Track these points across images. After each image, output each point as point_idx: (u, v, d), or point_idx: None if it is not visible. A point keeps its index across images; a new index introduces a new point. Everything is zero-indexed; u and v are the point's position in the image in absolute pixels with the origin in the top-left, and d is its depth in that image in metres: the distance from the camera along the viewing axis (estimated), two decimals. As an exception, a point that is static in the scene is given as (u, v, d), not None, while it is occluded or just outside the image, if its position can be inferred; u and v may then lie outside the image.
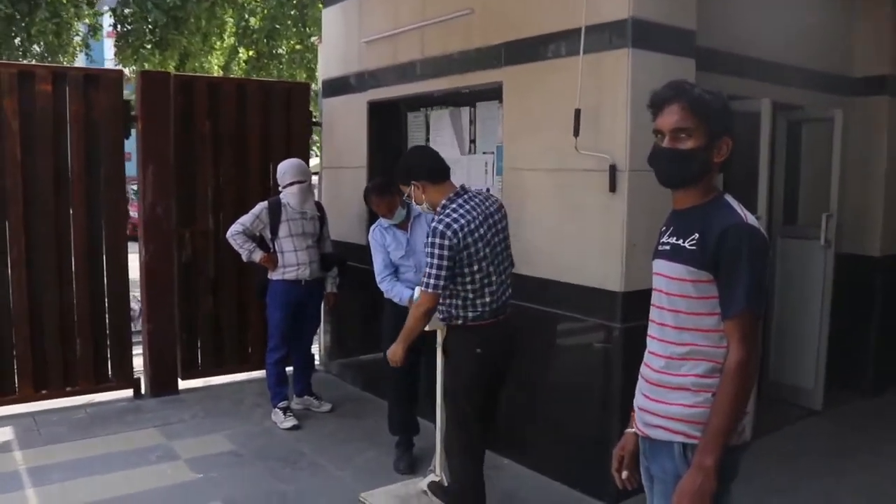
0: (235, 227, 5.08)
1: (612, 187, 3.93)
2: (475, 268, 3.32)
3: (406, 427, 4.63)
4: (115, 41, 10.89)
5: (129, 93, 5.73)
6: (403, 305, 4.25)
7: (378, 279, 4.45)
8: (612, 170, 3.91)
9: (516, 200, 4.52)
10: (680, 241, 2.14)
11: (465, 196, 3.45)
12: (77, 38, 10.59)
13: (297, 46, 12.43)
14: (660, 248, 2.25)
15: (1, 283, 5.21)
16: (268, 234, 5.15)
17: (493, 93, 4.95)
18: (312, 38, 7.60)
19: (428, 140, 5.69)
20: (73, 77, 5.38)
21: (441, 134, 5.53)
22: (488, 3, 4.63)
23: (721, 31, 4.56)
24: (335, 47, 6.18)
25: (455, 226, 3.26)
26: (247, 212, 5.18)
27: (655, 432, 2.15)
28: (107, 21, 11.31)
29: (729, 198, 2.16)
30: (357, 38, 5.80)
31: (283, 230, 5.10)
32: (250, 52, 12.64)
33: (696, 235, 2.09)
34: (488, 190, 5.12)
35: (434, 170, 3.56)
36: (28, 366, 5.31)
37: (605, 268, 4.00)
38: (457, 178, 5.29)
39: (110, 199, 5.53)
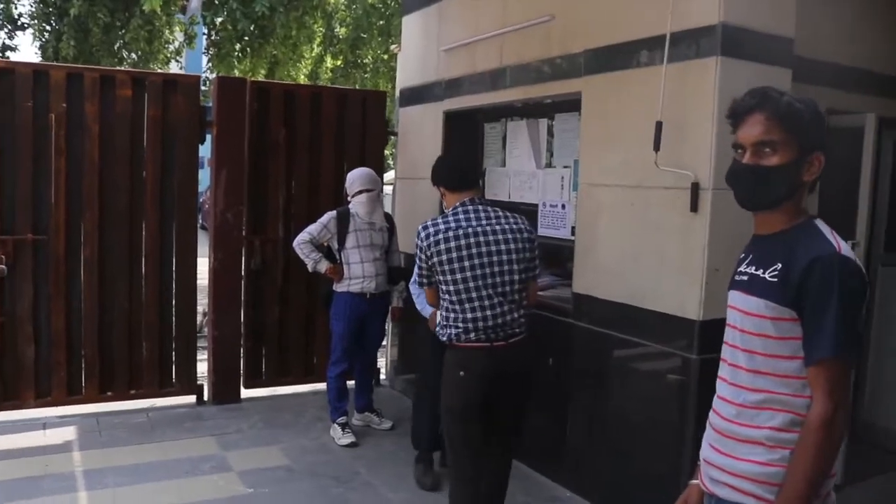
0: (302, 236, 4.98)
1: (694, 207, 3.61)
2: (448, 278, 3.20)
3: (428, 441, 4.49)
4: (206, 49, 11.13)
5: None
6: None
7: (411, 283, 4.38)
8: (695, 188, 3.60)
9: (590, 218, 4.26)
10: (759, 272, 1.85)
11: (472, 207, 3.35)
12: (171, 47, 10.83)
13: (383, 56, 12.42)
14: (736, 277, 1.96)
15: (73, 284, 5.25)
16: (335, 245, 5.03)
17: (572, 104, 4.69)
18: (392, 47, 7.48)
19: (504, 152, 5.47)
20: (153, 82, 5.41)
21: (517, 146, 5.30)
22: (569, 8, 4.39)
23: (822, 39, 4.19)
24: (413, 55, 6.04)
25: (430, 230, 3.24)
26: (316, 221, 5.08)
27: (723, 490, 1.86)
28: (203, 31, 11.57)
29: (820, 223, 1.86)
30: (436, 45, 5.64)
31: (350, 241, 4.96)
32: (337, 62, 12.71)
33: (779, 265, 1.79)
34: (563, 207, 4.87)
35: (451, 177, 3.50)
36: (95, 367, 5.33)
37: (683, 293, 3.68)
38: (532, 193, 5.17)
39: (182, 204, 5.52)
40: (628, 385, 4.03)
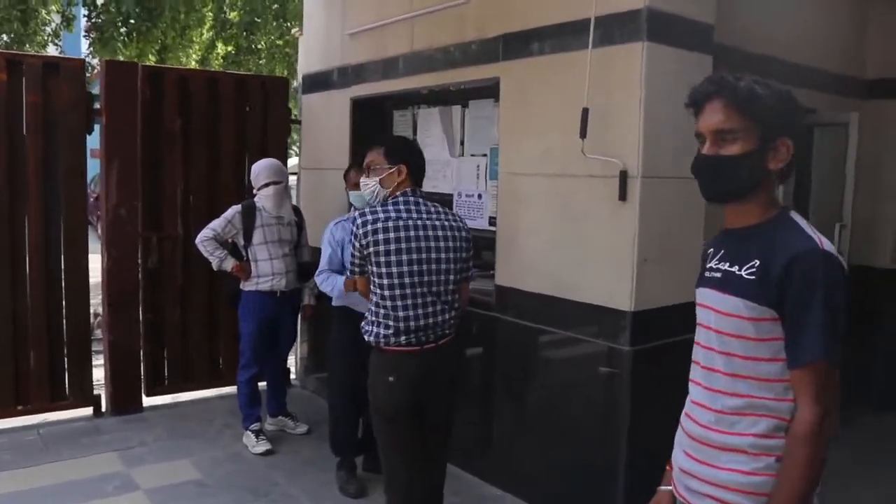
0: (205, 233, 4.65)
1: (623, 195, 3.54)
2: (383, 270, 2.99)
3: (350, 446, 4.32)
4: (86, 32, 10.40)
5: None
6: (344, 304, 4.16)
7: (317, 273, 4.19)
8: (623, 176, 3.52)
9: (512, 208, 4.14)
10: (735, 269, 1.74)
11: (413, 199, 3.12)
12: (47, 29, 10.05)
13: (278, 42, 11.93)
14: (707, 274, 1.84)
15: (-55, 290, 4.75)
16: (241, 241, 4.72)
17: (488, 90, 4.56)
18: (294, 31, 7.15)
19: (415, 140, 5.29)
20: (31, 65, 4.93)
21: (429, 134, 5.13)
22: (485, -9, 4.24)
23: (737, 27, 4.20)
24: (317, 40, 5.75)
25: (368, 217, 3.01)
26: (219, 216, 4.75)
27: (704, 502, 1.75)
28: (82, 12, 10.82)
29: (796, 215, 1.76)
30: (340, 30, 5.38)
31: (257, 236, 4.67)
32: (228, 48, 12.14)
33: (757, 262, 1.69)
34: (480, 197, 4.74)
35: (418, 164, 3.22)
36: (-26, 381, 4.85)
37: (613, 284, 3.61)
38: (446, 182, 5.00)
39: (70, 198, 5.07)
40: (558, 378, 3.94)
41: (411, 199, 3.10)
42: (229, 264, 4.66)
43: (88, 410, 5.26)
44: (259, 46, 12.10)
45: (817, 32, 5.03)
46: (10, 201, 4.86)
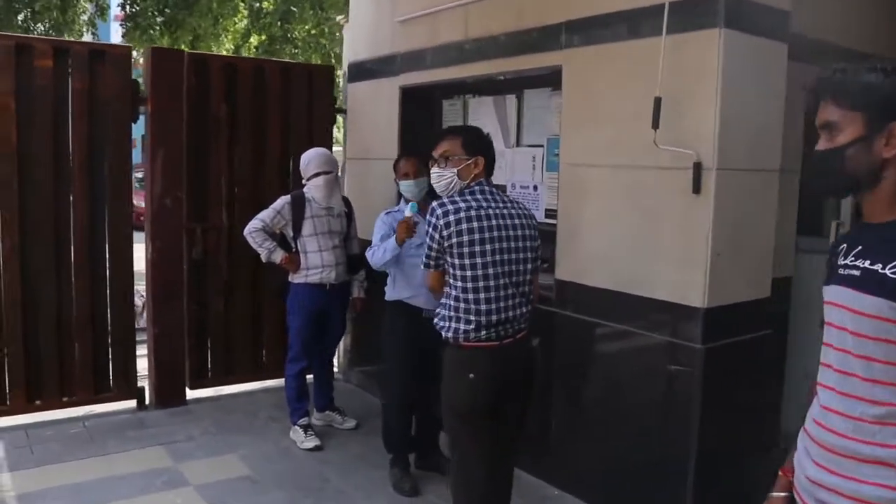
0: (254, 224, 4.55)
1: (697, 188, 3.39)
2: (467, 262, 2.88)
3: (404, 444, 4.21)
4: (123, 22, 10.35)
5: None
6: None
7: (369, 250, 4.08)
8: (697, 168, 3.38)
9: (574, 200, 4.00)
10: (877, 267, 1.60)
11: (488, 188, 3.05)
12: (84, 17, 10.01)
13: (313, 31, 11.82)
14: (841, 271, 1.70)
15: (-9, 280, 4.68)
16: (289, 232, 4.62)
17: (544, 79, 4.44)
18: (338, 18, 7.03)
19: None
20: (77, 52, 4.85)
21: (481, 124, 4.89)
22: (546, -24, 4.10)
23: (811, 15, 4.03)
24: (364, 27, 5.63)
25: (448, 207, 2.90)
26: (265, 206, 4.66)
27: (842, 517, 1.62)
28: (114, 2, 10.78)
29: None
30: (390, 17, 5.25)
31: (307, 228, 4.57)
32: (262, 37, 12.05)
33: None
34: (536, 188, 4.61)
35: (493, 160, 3.19)
36: (20, 373, 4.77)
37: (684, 280, 3.47)
38: (501, 173, 4.86)
39: (115, 187, 4.99)
40: (622, 375, 3.81)
41: (486, 188, 3.01)
42: (278, 256, 4.56)
43: (132, 403, 5.19)
44: (294, 36, 12.00)
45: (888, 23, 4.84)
46: (55, 189, 4.79)
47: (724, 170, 3.36)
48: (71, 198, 4.86)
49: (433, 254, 2.95)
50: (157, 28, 9.64)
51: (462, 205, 2.91)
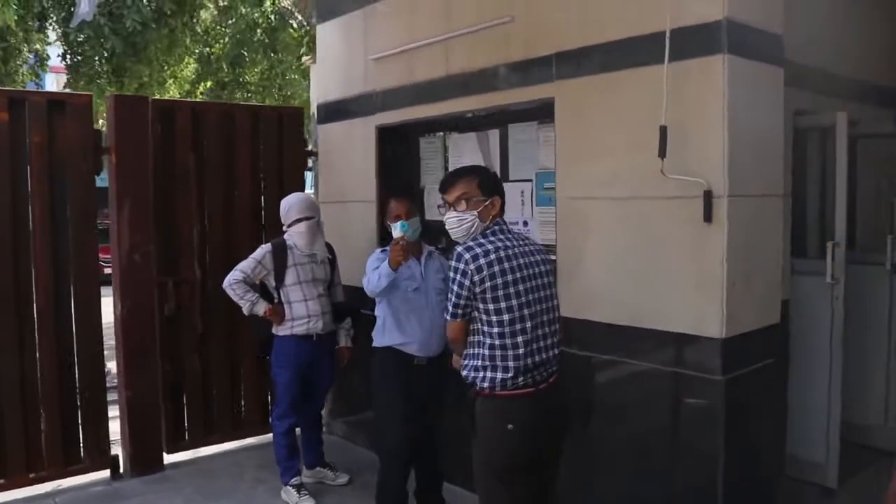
0: (235, 275, 4.31)
1: (708, 217, 3.31)
2: (502, 305, 2.75)
3: (400, 501, 3.94)
4: (67, 69, 9.99)
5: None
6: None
7: (364, 279, 3.84)
8: (707, 196, 3.30)
9: (574, 234, 3.89)
10: None
11: (506, 226, 2.98)
12: (25, 68, 9.64)
13: (266, 74, 11.61)
14: None
15: (-51, 350, 4.33)
16: (272, 282, 4.40)
17: (530, 112, 4.34)
18: (304, 59, 6.85)
19: (446, 168, 5.03)
20: (35, 103, 4.57)
21: (463, 161, 4.84)
22: (533, 8, 4.01)
23: (799, 40, 4.03)
24: (334, 67, 5.47)
25: (477, 250, 2.78)
26: (239, 257, 4.43)
27: None
28: (53, 52, 10.44)
29: None
30: (363, 54, 5.11)
31: (290, 277, 4.35)
32: (208, 83, 11.78)
33: None
34: (526, 224, 4.49)
35: (504, 199, 3.06)
36: (-20, 450, 4.42)
37: (700, 310, 3.38)
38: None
39: (79, 245, 4.69)
40: (635, 412, 3.67)
41: (504, 227, 2.88)
42: (261, 308, 4.32)
43: (105, 473, 4.84)
44: (247, 79, 11.77)
45: (858, 42, 4.89)
46: (14, 251, 4.48)
47: (734, 196, 3.30)
48: (32, 259, 4.54)
49: (462, 302, 2.78)
50: (104, 76, 9.33)
51: (489, 246, 2.77)
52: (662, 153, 3.36)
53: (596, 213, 3.77)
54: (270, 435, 5.28)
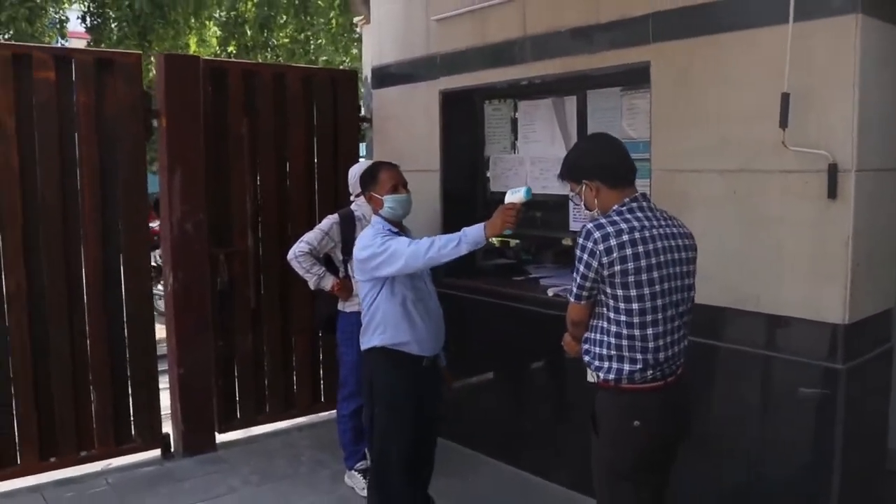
0: (300, 247, 4.05)
1: (832, 192, 3.05)
2: (633, 293, 2.47)
3: None
4: (88, 32, 9.67)
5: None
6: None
7: (412, 244, 3.14)
8: (833, 170, 3.03)
9: (673, 209, 3.57)
10: None
11: (645, 204, 2.63)
12: (51, 27, 9.33)
13: (300, 36, 11.24)
14: None
15: (-5, 326, 4.10)
16: (339, 255, 4.15)
17: (611, 78, 4.07)
18: (357, 19, 6.50)
19: (515, 136, 4.77)
20: (81, 61, 4.30)
21: (536, 129, 4.60)
22: (626, -37, 3.72)
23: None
24: (391, 28, 5.17)
25: (608, 229, 2.47)
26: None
27: None
28: (71, 15, 10.10)
29: None
30: (424, 14, 4.80)
31: (359, 250, 4.10)
32: (230, 47, 11.40)
33: None
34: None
35: (614, 170, 2.65)
36: (32, 428, 4.21)
37: (818, 294, 3.13)
38: (560, 183, 4.47)
39: (130, 214, 4.45)
40: (745, 402, 3.43)
41: (644, 204, 2.60)
42: (328, 282, 4.07)
43: (156, 452, 4.65)
44: (275, 42, 11.40)
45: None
46: (63, 220, 4.23)
47: (863, 171, 3.03)
48: (81, 229, 4.30)
49: (588, 284, 2.51)
50: (130, 38, 8.98)
51: (623, 226, 2.48)
52: (784, 122, 3.09)
53: (698, 186, 3.51)
54: (322, 414, 5.19)
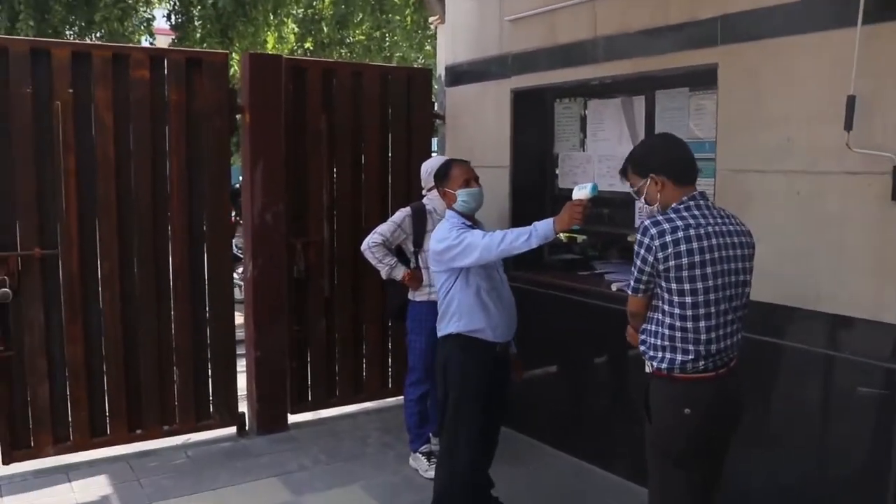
0: (374, 238, 4.25)
1: (896, 194, 3.09)
2: (686, 287, 2.55)
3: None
4: (172, 29, 10.11)
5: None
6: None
7: (486, 237, 3.29)
8: (896, 172, 3.07)
9: (735, 209, 3.61)
10: None
11: (703, 202, 2.70)
12: (142, 26, 9.80)
13: (376, 33, 11.53)
14: None
15: (90, 306, 4.41)
16: (410, 247, 4.33)
17: (678, 79, 4.15)
18: (432, 19, 6.69)
19: (584, 134, 4.87)
20: (174, 61, 4.59)
21: (604, 127, 4.70)
22: (695, -33, 3.79)
23: None
24: (465, 28, 5.32)
25: (664, 226, 2.56)
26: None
27: None
28: (157, 13, 10.61)
29: None
30: (498, 15, 4.94)
31: (429, 242, 4.26)
32: (307, 44, 11.75)
33: None
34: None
35: (680, 167, 2.73)
36: (121, 402, 4.52)
37: (879, 295, 3.15)
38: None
39: (214, 205, 4.72)
40: (798, 399, 3.47)
41: (702, 202, 2.69)
42: (399, 272, 4.26)
43: (232, 430, 4.92)
44: (350, 39, 11.71)
45: None
46: (153, 209, 4.52)
47: (929, 174, 3.06)
48: (170, 216, 4.59)
49: (644, 277, 2.63)
50: (213, 36, 9.37)
51: (679, 223, 2.59)
52: (849, 125, 3.13)
53: (763, 186, 3.56)
54: (388, 400, 5.38)
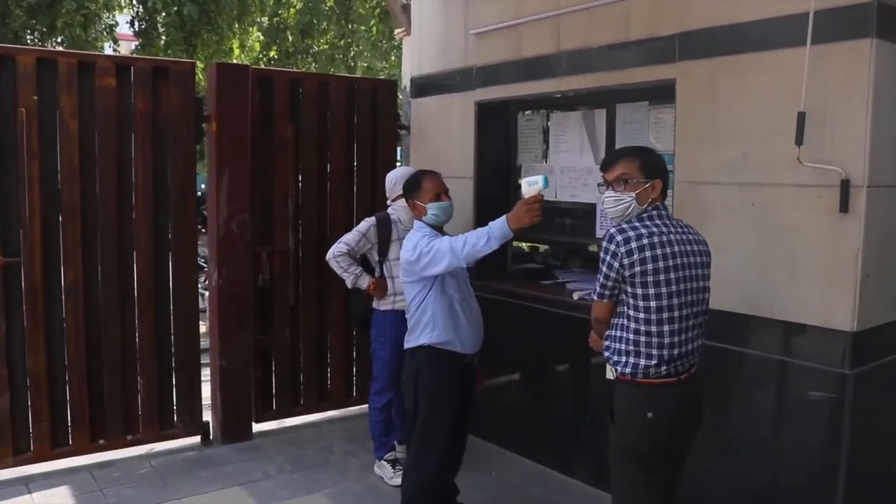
0: (339, 247, 4.29)
1: (844, 207, 3.21)
2: (651, 291, 2.67)
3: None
4: (136, 36, 10.05)
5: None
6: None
7: (445, 242, 3.34)
8: (845, 186, 3.20)
9: (693, 220, 3.71)
10: None
11: (664, 212, 2.84)
12: (104, 33, 9.72)
13: (341, 43, 11.56)
14: None
15: (53, 315, 4.38)
16: (374, 256, 4.38)
17: (639, 93, 4.27)
18: (398, 31, 6.72)
19: (546, 146, 4.97)
20: (141, 69, 4.58)
21: (566, 139, 4.80)
22: (656, -15, 3.91)
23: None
24: (431, 40, 5.40)
25: (629, 233, 2.68)
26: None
27: None
28: (121, 20, 10.51)
29: None
30: (463, 28, 5.03)
31: (393, 251, 4.32)
32: (272, 52, 11.76)
33: None
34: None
35: (668, 179, 2.91)
36: (83, 412, 4.49)
37: (829, 302, 3.29)
38: (588, 191, 4.67)
39: (179, 214, 4.72)
40: (756, 404, 3.59)
41: (664, 213, 2.80)
42: (364, 282, 4.30)
43: (196, 439, 4.90)
44: (315, 49, 11.73)
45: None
46: (118, 217, 4.51)
47: (874, 187, 3.20)
48: (134, 227, 4.58)
49: (610, 283, 2.73)
50: (178, 44, 9.33)
51: (643, 231, 2.70)
52: (800, 140, 3.26)
53: (719, 198, 3.68)
54: (353, 408, 5.41)
